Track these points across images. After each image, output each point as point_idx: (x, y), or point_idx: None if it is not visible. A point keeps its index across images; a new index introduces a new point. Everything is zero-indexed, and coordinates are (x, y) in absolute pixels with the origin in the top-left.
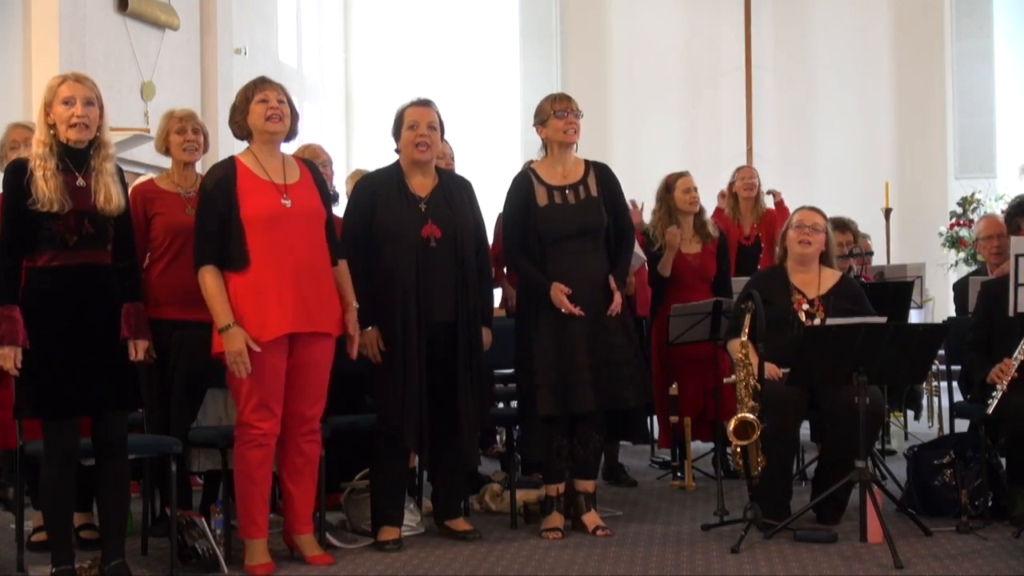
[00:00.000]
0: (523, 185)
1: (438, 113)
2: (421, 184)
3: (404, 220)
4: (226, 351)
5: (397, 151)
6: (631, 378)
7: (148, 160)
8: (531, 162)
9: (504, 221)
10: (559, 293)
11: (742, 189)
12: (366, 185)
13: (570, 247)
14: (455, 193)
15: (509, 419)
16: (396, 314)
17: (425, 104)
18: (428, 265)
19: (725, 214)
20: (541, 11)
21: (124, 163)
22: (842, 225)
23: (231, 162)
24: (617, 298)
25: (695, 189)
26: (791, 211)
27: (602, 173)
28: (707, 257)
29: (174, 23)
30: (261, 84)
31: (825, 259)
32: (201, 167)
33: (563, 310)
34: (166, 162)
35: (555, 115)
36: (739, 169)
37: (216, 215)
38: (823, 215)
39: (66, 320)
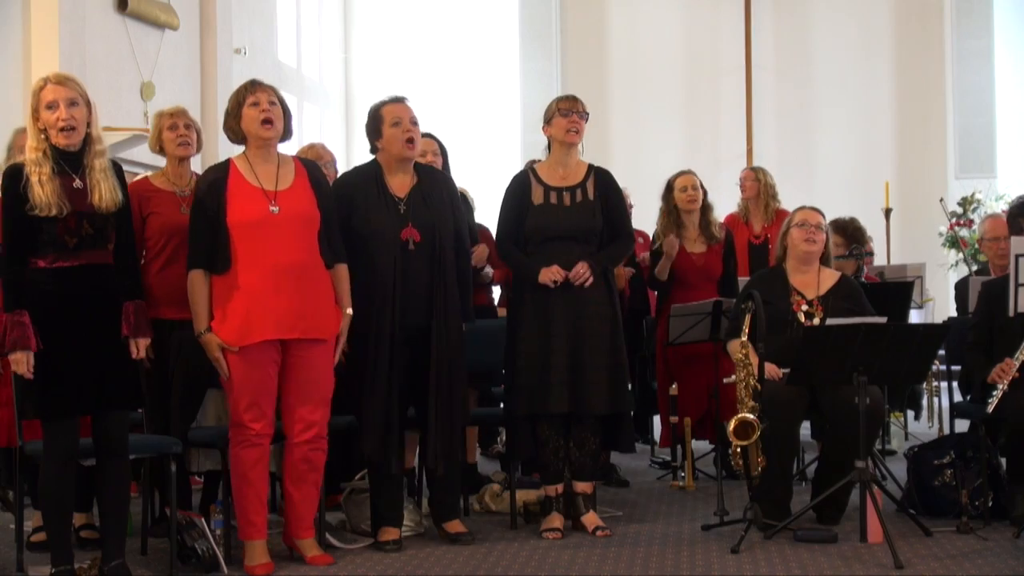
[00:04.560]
0: (521, 183)
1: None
2: (400, 183)
3: (383, 223)
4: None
5: (374, 150)
6: (606, 384)
7: (148, 160)
8: (534, 161)
9: (499, 216)
10: (547, 271)
11: (740, 191)
12: (342, 186)
13: (558, 248)
14: (434, 191)
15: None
16: (371, 319)
17: (402, 100)
18: (406, 269)
19: (737, 213)
20: (541, 11)
21: (124, 163)
22: (838, 227)
23: (225, 165)
24: (578, 266)
25: (694, 187)
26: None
27: (602, 178)
28: (712, 257)
29: (174, 23)
30: (251, 87)
31: (824, 259)
32: (200, 165)
33: (551, 282)
34: (164, 162)
35: (559, 113)
36: (743, 170)
37: (206, 218)
38: (822, 214)
39: (67, 321)
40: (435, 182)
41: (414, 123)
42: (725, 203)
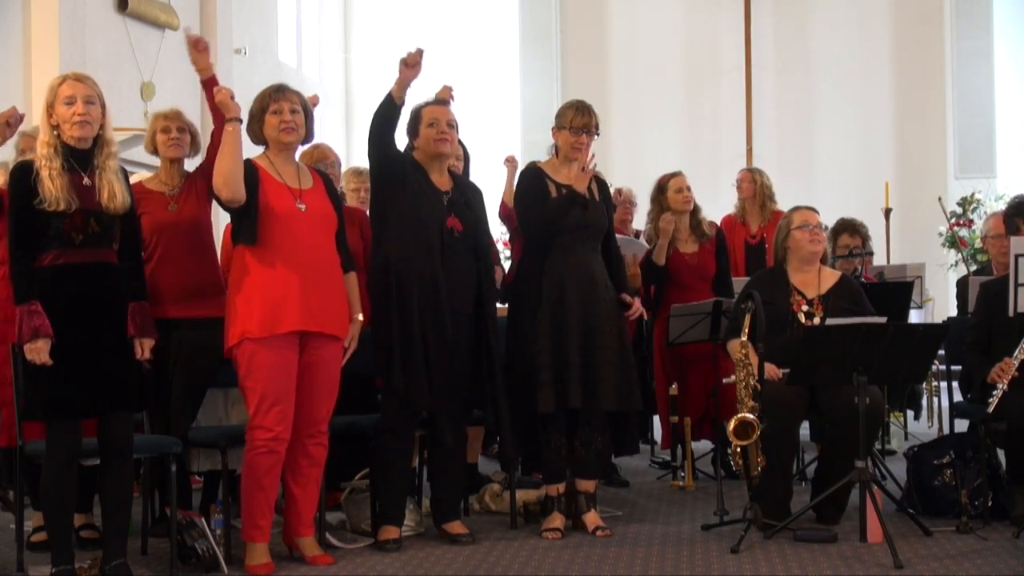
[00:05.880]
0: (536, 174)
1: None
2: (440, 181)
3: (428, 208)
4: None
5: (410, 149)
6: (615, 382)
7: (148, 160)
8: (536, 163)
9: (522, 203)
10: (580, 180)
11: (737, 191)
12: (399, 157)
13: (574, 243)
14: (470, 196)
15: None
16: (415, 297)
17: (443, 103)
18: (450, 254)
19: (733, 213)
20: (541, 11)
21: (124, 163)
22: (852, 228)
23: (249, 162)
24: (636, 303)
25: (688, 188)
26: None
27: (603, 186)
28: (705, 256)
29: (174, 23)
30: (276, 95)
31: (823, 258)
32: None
33: (586, 162)
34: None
35: (571, 130)
36: (740, 171)
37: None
38: (819, 213)
39: (72, 319)
40: (472, 189)
41: (451, 126)
42: (726, 203)
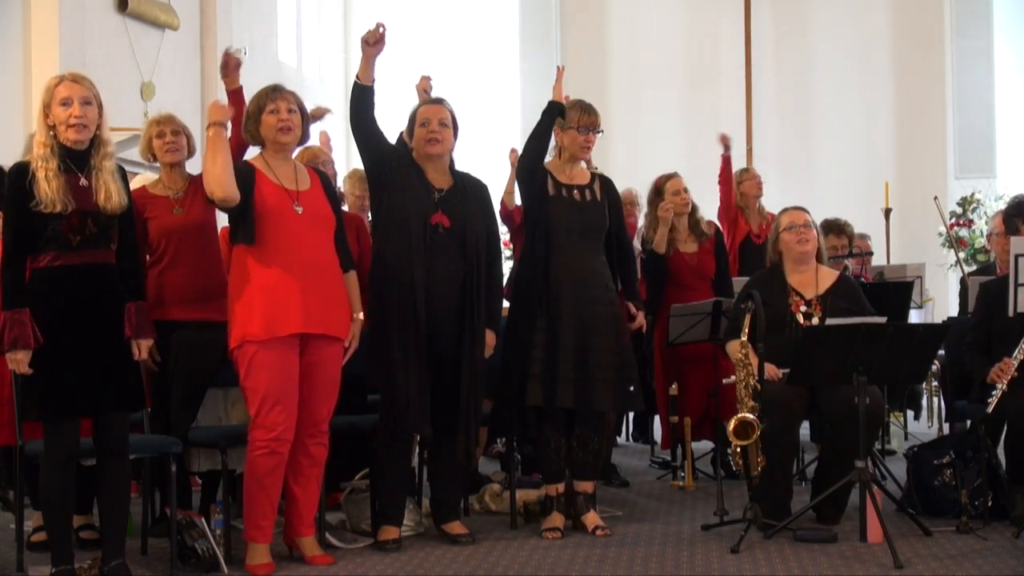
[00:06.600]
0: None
1: (451, 111)
2: (436, 179)
3: (414, 204)
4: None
5: (411, 149)
6: (610, 383)
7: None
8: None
9: (524, 190)
10: (557, 89)
11: (754, 188)
12: (396, 149)
13: (574, 243)
14: (470, 194)
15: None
16: (397, 299)
17: (437, 102)
18: (434, 249)
19: (742, 213)
20: (541, 11)
21: (124, 163)
22: (837, 228)
23: (246, 163)
24: (640, 317)
25: (685, 190)
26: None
27: (606, 184)
28: (704, 256)
29: (174, 23)
30: (272, 94)
31: (818, 257)
32: (198, 167)
33: (558, 88)
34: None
35: (578, 129)
36: (746, 170)
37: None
38: (807, 212)
39: (69, 320)
40: (473, 187)
41: (443, 124)
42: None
